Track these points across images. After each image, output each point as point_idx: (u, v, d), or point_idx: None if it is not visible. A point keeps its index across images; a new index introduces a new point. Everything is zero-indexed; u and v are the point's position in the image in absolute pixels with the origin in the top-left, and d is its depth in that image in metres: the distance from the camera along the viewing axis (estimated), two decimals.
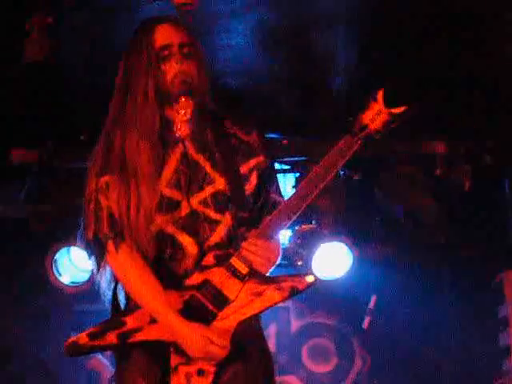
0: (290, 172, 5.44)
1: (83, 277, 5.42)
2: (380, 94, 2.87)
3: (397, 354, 5.63)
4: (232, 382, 2.86)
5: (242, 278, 2.86)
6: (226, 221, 2.93)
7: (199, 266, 2.87)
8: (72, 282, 5.45)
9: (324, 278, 5.46)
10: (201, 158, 2.95)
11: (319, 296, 5.41)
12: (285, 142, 5.26)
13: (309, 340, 5.79)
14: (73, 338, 2.79)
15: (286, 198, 3.04)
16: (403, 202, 5.28)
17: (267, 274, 2.92)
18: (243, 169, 3.00)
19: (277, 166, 5.25)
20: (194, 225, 2.90)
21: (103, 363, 5.66)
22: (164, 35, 2.89)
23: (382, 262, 5.57)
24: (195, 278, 2.86)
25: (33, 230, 5.41)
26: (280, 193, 3.13)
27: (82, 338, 2.79)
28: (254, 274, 2.88)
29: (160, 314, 2.83)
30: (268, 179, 3.08)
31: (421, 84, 4.89)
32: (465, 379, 5.52)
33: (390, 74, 4.94)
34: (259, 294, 2.86)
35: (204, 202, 2.91)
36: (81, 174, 5.19)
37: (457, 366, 5.58)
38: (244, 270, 2.85)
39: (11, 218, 5.46)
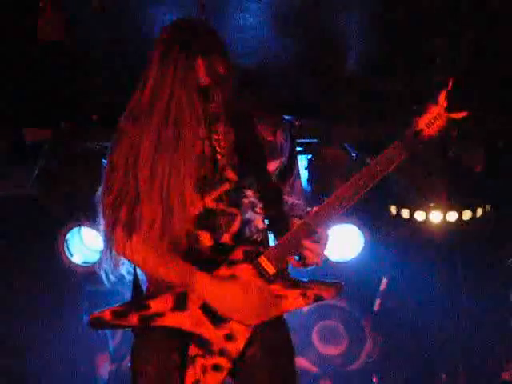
0: (302, 153, 5.42)
1: (94, 257, 5.42)
2: (442, 96, 2.74)
3: (407, 337, 5.63)
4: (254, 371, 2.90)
5: (268, 278, 2.85)
6: (241, 214, 2.89)
7: (227, 260, 2.85)
8: (84, 262, 5.45)
9: (335, 260, 5.46)
10: (221, 158, 2.92)
11: (330, 278, 5.38)
12: (297, 123, 5.24)
13: (319, 322, 5.78)
14: (97, 314, 2.83)
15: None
16: (416, 184, 5.27)
17: (293, 277, 2.91)
18: (268, 167, 2.97)
19: None
20: (210, 220, 2.87)
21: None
22: (207, 75, 2.82)
23: (394, 244, 5.56)
24: (222, 273, 2.84)
25: (44, 210, 5.39)
26: (297, 194, 3.09)
27: (106, 314, 2.82)
28: (281, 276, 2.87)
29: (185, 277, 2.83)
30: (284, 180, 3.05)
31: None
32: (476, 362, 5.53)
33: (404, 61, 4.93)
34: (283, 297, 2.86)
35: (218, 199, 2.88)
36: (92, 154, 5.23)
37: (468, 350, 5.58)
38: (271, 270, 2.84)
39: (22, 198, 5.45)
